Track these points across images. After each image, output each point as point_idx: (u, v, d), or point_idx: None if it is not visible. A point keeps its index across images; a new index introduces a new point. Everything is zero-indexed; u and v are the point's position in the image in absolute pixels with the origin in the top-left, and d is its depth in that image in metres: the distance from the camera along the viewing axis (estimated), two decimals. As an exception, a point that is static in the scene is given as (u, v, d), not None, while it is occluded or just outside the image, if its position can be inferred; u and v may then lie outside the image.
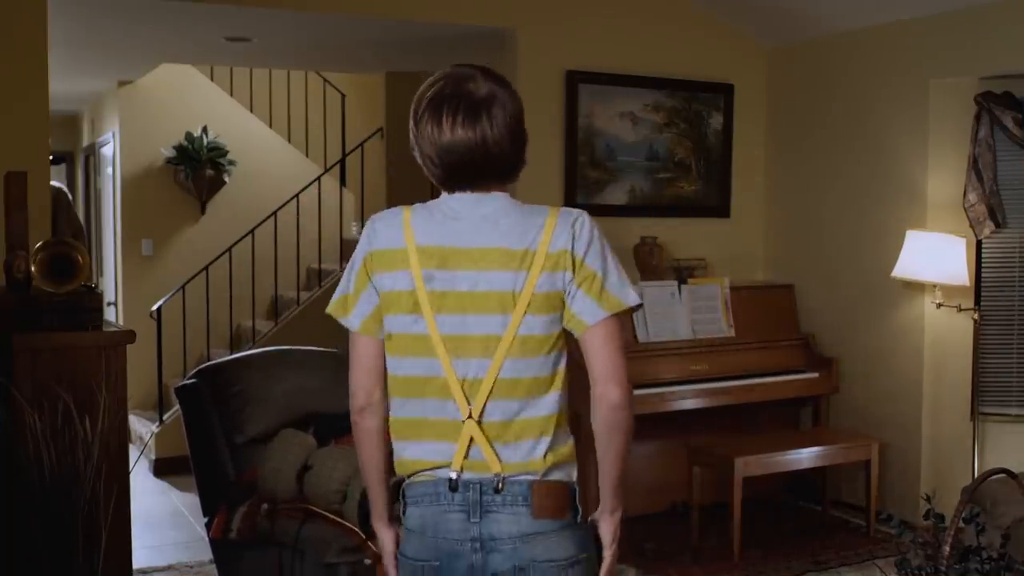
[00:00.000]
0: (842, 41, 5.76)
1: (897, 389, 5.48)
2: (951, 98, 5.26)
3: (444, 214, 2.01)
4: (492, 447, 1.99)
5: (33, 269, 3.77)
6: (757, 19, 6.01)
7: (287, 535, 3.50)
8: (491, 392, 1.98)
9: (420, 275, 1.97)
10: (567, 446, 2.21)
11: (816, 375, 5.75)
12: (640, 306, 2.06)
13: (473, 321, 1.97)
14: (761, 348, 5.74)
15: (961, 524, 2.63)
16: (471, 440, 1.98)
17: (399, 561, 2.09)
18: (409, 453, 2.03)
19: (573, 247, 1.98)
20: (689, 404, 5.39)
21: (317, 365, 4.30)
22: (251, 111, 8.31)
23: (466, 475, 1.98)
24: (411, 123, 2.11)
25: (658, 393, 5.30)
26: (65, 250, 3.85)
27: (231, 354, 4.54)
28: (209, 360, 5.90)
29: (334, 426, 3.93)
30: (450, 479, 1.98)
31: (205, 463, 3.93)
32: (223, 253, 7.26)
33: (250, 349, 5.81)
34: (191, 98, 7.97)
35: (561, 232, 1.98)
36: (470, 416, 1.97)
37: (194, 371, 4.15)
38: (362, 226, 7.78)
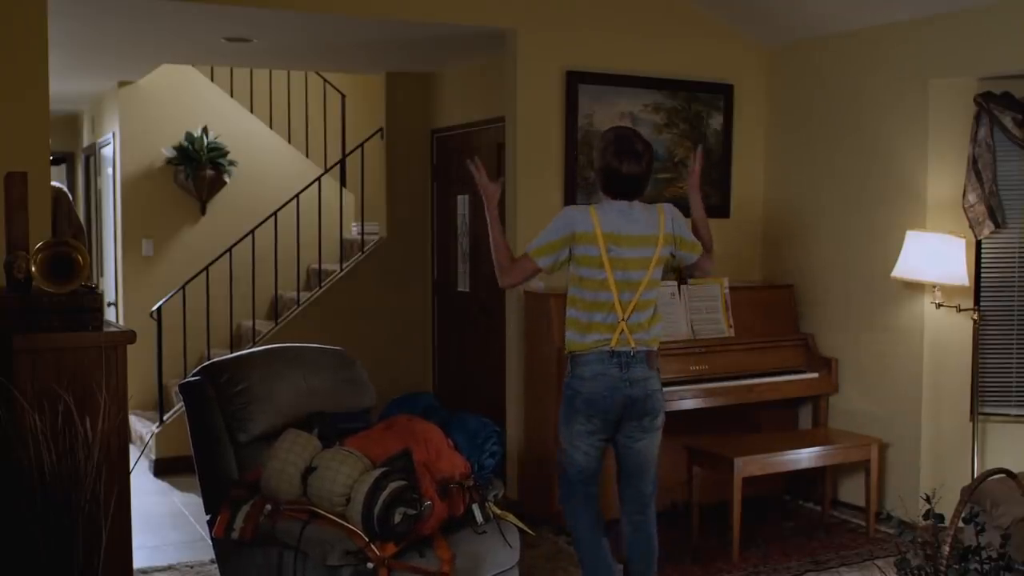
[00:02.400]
0: (842, 41, 5.76)
1: (897, 389, 5.48)
2: (951, 98, 5.26)
3: (617, 212, 3.87)
4: (632, 336, 3.84)
5: (33, 269, 3.77)
6: (757, 19, 6.01)
7: (290, 536, 3.50)
8: (634, 308, 3.84)
9: (604, 247, 3.81)
10: (659, 334, 3.97)
11: (816, 375, 5.76)
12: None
13: (631, 273, 3.83)
14: (761, 348, 5.75)
15: (961, 524, 2.64)
16: (621, 331, 3.83)
17: (579, 400, 3.88)
18: (587, 339, 3.84)
19: (674, 229, 3.94)
20: (689, 404, 5.39)
21: (322, 364, 4.29)
22: (251, 111, 8.32)
23: (618, 348, 3.83)
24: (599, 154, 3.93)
25: (658, 393, 5.30)
26: (65, 250, 3.85)
27: (232, 354, 4.53)
28: (209, 360, 5.90)
29: (338, 426, 3.94)
30: (612, 351, 3.83)
31: (208, 461, 3.93)
32: (223, 253, 7.26)
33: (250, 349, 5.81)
34: (191, 98, 7.97)
35: (667, 220, 3.93)
36: (622, 319, 3.83)
37: (198, 368, 4.15)
38: (362, 227, 7.72)
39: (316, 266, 7.79)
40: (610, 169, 3.84)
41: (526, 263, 3.90)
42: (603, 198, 3.92)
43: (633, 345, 3.82)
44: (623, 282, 3.81)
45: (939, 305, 5.19)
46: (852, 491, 5.66)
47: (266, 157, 8.18)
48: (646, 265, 3.84)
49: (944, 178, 5.29)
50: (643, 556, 4.00)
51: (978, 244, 5.25)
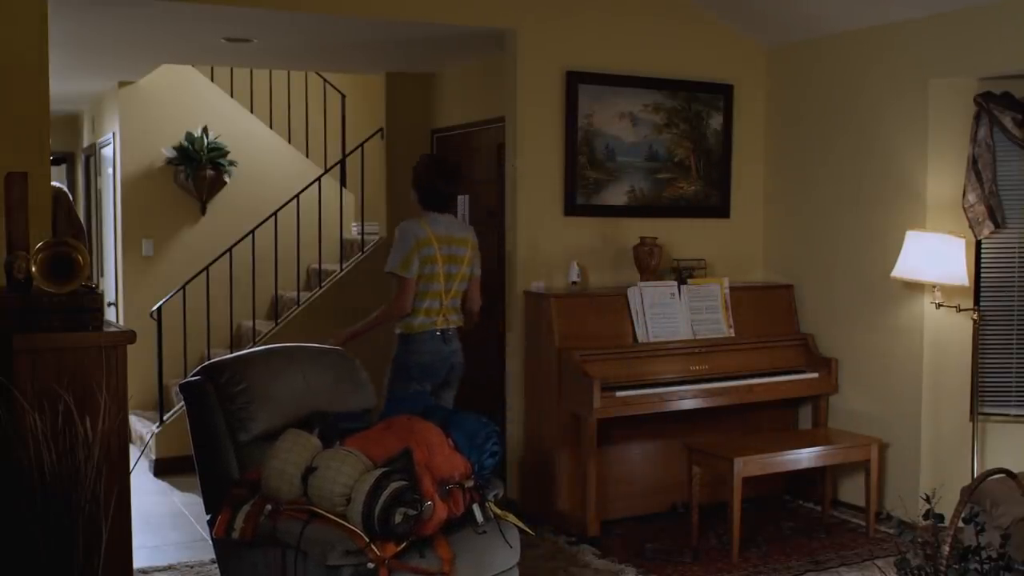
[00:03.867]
0: (842, 41, 5.76)
1: (897, 389, 5.48)
2: (951, 98, 5.26)
3: (439, 221, 4.95)
4: (449, 318, 4.94)
5: (33, 269, 3.77)
6: (757, 19, 6.01)
7: (290, 536, 3.49)
8: (452, 295, 4.93)
9: (438, 248, 4.86)
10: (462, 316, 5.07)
11: (816, 375, 5.76)
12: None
13: (454, 267, 4.92)
14: (761, 348, 5.75)
15: (961, 524, 2.64)
16: (444, 314, 4.91)
17: (414, 367, 4.89)
18: (422, 321, 4.87)
19: (476, 241, 5.12)
20: (689, 404, 5.39)
21: (323, 363, 4.29)
22: (251, 111, 8.32)
23: (442, 327, 4.91)
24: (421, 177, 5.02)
25: (658, 393, 5.30)
26: (65, 250, 3.85)
27: (232, 354, 4.53)
28: (209, 360, 5.90)
29: (339, 426, 3.93)
30: (441, 329, 4.92)
31: (208, 461, 3.93)
32: (223, 253, 7.26)
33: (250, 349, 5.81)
34: (191, 98, 7.98)
35: (472, 233, 5.15)
36: (444, 304, 4.90)
37: (198, 368, 4.15)
38: (362, 227, 7.73)
39: (316, 266, 7.79)
40: (434, 188, 4.93)
41: (402, 283, 4.83)
42: (423, 212, 4.96)
43: (452, 324, 4.93)
44: (447, 275, 4.88)
45: (939, 305, 5.19)
46: (852, 491, 5.67)
47: (266, 157, 8.19)
48: (462, 261, 4.96)
49: (944, 178, 5.30)
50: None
51: (978, 244, 5.26)
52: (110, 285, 8.26)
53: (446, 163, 5.11)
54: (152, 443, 6.83)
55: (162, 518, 5.80)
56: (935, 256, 5.08)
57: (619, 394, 5.16)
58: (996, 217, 5.13)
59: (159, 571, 4.86)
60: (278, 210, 7.49)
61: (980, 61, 5.10)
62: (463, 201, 7.06)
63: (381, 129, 7.63)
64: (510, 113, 5.73)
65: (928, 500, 2.83)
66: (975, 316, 5.19)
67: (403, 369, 4.95)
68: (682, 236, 6.02)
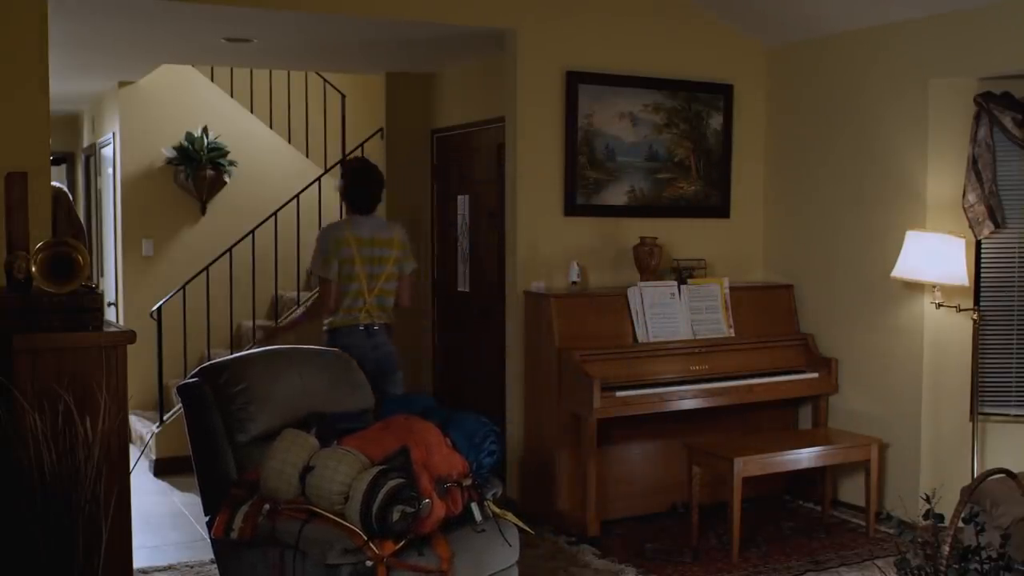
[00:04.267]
0: (842, 41, 5.76)
1: (897, 389, 5.48)
2: (951, 98, 5.26)
3: (363, 223, 5.18)
4: (373, 314, 5.09)
5: (34, 269, 3.77)
6: (757, 19, 6.01)
7: (289, 535, 3.50)
8: (377, 293, 5.11)
9: (356, 248, 5.07)
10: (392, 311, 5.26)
11: (816, 375, 5.76)
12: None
13: (375, 267, 5.10)
14: (761, 348, 5.75)
15: (961, 524, 2.64)
16: (367, 310, 5.07)
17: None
18: (340, 318, 5.08)
19: (405, 241, 5.29)
20: (689, 404, 5.39)
21: (320, 364, 4.30)
22: (251, 111, 8.32)
23: (365, 322, 5.08)
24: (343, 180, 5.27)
25: (658, 393, 5.30)
26: (65, 250, 3.85)
27: (231, 354, 4.54)
28: (209, 360, 5.90)
29: (336, 426, 3.94)
30: (364, 324, 5.08)
31: (207, 462, 3.93)
32: (223, 253, 7.26)
33: (250, 349, 5.81)
34: (191, 98, 7.98)
35: (401, 232, 5.31)
36: (367, 301, 5.08)
37: (196, 369, 4.15)
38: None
39: (316, 266, 7.78)
40: (357, 192, 5.19)
41: (324, 284, 5.11)
42: (349, 214, 5.23)
43: (377, 320, 5.09)
44: (369, 275, 5.08)
45: (939, 305, 5.19)
46: (852, 491, 5.67)
47: (266, 157, 8.19)
48: (387, 261, 5.13)
49: (944, 178, 5.29)
50: None
51: (978, 244, 5.25)
52: (110, 285, 8.26)
53: (368, 168, 5.30)
54: (152, 443, 6.83)
55: (162, 518, 5.80)
56: (935, 256, 5.07)
57: (619, 394, 5.16)
58: (996, 217, 5.13)
59: (159, 571, 4.86)
60: (278, 210, 7.49)
61: (980, 61, 5.10)
62: (463, 201, 7.06)
63: (381, 129, 7.63)
64: (510, 113, 5.73)
65: (928, 500, 2.83)
66: (975, 316, 5.19)
67: None
68: (682, 236, 6.02)
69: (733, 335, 5.70)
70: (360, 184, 5.20)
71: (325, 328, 5.16)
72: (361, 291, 5.07)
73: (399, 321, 7.57)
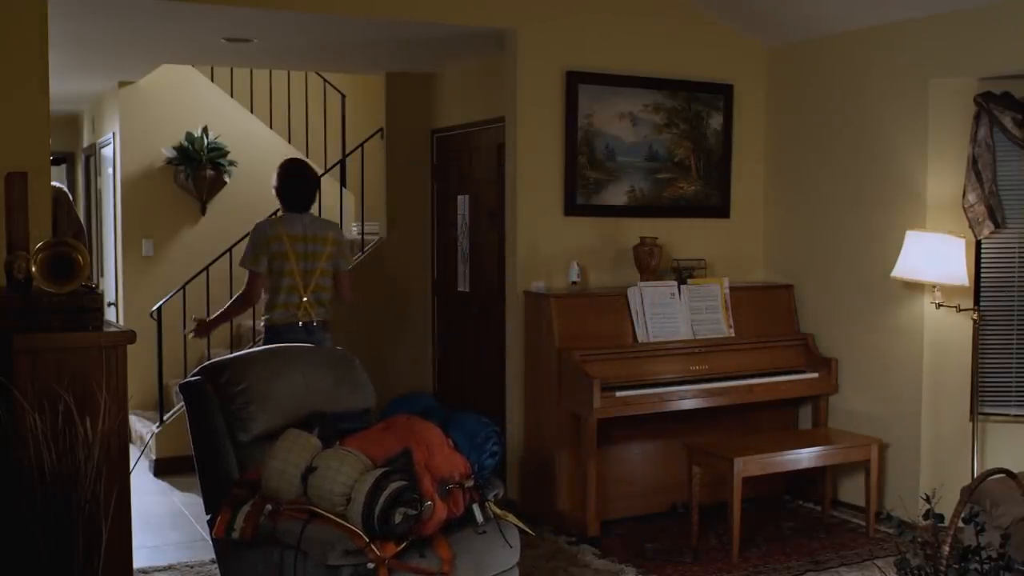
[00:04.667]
0: (842, 41, 5.76)
1: (897, 389, 5.48)
2: (951, 98, 5.26)
3: (296, 220, 5.26)
4: (311, 311, 5.16)
5: (34, 269, 3.77)
6: (757, 19, 6.01)
7: (290, 536, 3.49)
8: (313, 289, 5.18)
9: (290, 245, 5.15)
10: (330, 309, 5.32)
11: (816, 375, 5.76)
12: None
13: (310, 264, 5.17)
14: (761, 348, 5.75)
15: (961, 524, 2.64)
16: (305, 308, 5.14)
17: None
18: (278, 315, 5.15)
19: (339, 239, 5.36)
20: (689, 404, 5.39)
21: (322, 363, 4.29)
22: (251, 111, 8.32)
23: (304, 319, 5.14)
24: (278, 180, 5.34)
25: (658, 393, 5.30)
26: (65, 250, 3.85)
27: (231, 354, 4.54)
28: (209, 360, 5.91)
29: (338, 426, 3.93)
30: (303, 322, 5.14)
31: (208, 461, 3.93)
32: (223, 253, 7.26)
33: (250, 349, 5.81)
34: (191, 98, 7.97)
35: (333, 230, 5.40)
36: (304, 298, 5.15)
37: (198, 368, 4.15)
38: (362, 227, 7.75)
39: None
40: (290, 190, 5.27)
41: (251, 277, 5.20)
42: (284, 212, 5.30)
43: (315, 317, 5.16)
44: (304, 271, 5.15)
45: (939, 305, 5.19)
46: (852, 491, 5.67)
47: (266, 157, 8.15)
48: (320, 257, 5.20)
49: (944, 178, 5.29)
50: None
51: (978, 244, 5.26)
52: (110, 285, 8.26)
53: (301, 168, 5.40)
54: (152, 443, 6.83)
55: (162, 518, 5.80)
56: (935, 256, 5.08)
57: (619, 394, 5.16)
58: (996, 217, 5.13)
59: (159, 571, 4.86)
60: (278, 210, 7.47)
61: (980, 61, 5.10)
62: (463, 201, 7.07)
63: (381, 129, 7.63)
64: (510, 113, 5.73)
65: (928, 500, 2.83)
66: (975, 316, 5.19)
67: None
68: (682, 236, 6.02)
69: (733, 335, 5.71)
70: (292, 183, 5.29)
71: (263, 324, 5.29)
72: (295, 286, 5.15)
73: (399, 321, 7.64)
